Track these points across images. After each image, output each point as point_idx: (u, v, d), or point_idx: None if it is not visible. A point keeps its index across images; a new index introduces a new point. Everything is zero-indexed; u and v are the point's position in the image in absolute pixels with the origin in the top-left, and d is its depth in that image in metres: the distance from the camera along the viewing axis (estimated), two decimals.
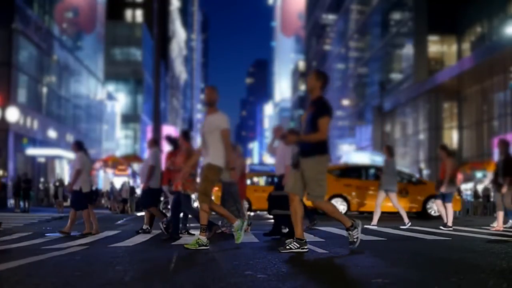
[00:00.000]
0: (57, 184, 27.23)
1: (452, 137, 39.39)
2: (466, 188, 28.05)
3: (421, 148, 41.26)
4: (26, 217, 16.79)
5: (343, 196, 16.58)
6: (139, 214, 22.53)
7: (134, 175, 33.66)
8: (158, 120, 27.80)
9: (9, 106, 30.14)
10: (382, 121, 44.79)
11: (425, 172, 37.07)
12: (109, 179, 37.40)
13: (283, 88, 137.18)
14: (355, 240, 5.81)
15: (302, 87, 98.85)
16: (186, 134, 8.69)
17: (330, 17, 74.69)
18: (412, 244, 7.20)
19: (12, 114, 30.52)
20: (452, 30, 41.03)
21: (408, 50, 44.14)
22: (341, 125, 66.94)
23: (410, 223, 10.63)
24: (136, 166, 34.53)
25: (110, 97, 61.17)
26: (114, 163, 35.30)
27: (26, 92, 35.75)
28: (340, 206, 16.37)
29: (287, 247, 5.52)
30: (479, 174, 31.04)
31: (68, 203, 25.27)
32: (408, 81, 43.46)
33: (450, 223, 10.52)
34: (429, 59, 42.48)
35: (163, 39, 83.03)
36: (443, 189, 10.58)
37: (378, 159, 32.56)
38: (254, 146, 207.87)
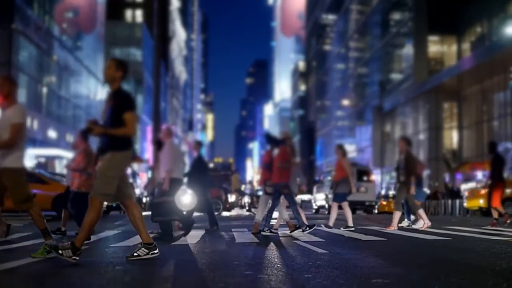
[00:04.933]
0: None
1: (452, 137, 39.41)
2: (466, 188, 28.05)
3: (421, 148, 41.27)
4: (26, 217, 16.78)
5: None
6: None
7: (134, 175, 33.68)
8: (158, 120, 27.86)
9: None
10: (382, 121, 44.80)
11: (425, 172, 37.05)
12: None
13: (283, 88, 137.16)
14: (134, 254, 5.03)
15: (302, 87, 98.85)
16: (85, 135, 8.15)
17: (330, 17, 74.71)
18: (412, 244, 7.20)
19: None
20: (452, 30, 41.03)
21: (408, 50, 44.15)
22: (341, 125, 66.97)
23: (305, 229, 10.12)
24: (136, 166, 34.55)
25: None
26: None
27: (26, 92, 35.76)
28: None
29: (135, 254, 5.00)
30: (479, 174, 31.04)
31: None
32: (408, 81, 43.46)
33: (331, 223, 10.22)
34: (429, 59, 42.49)
35: (163, 39, 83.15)
36: (353, 189, 10.49)
37: None
38: (254, 146, 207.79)
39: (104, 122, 5.03)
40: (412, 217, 11.34)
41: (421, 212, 10.18)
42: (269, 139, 9.40)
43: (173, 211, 7.79)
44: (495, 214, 11.69)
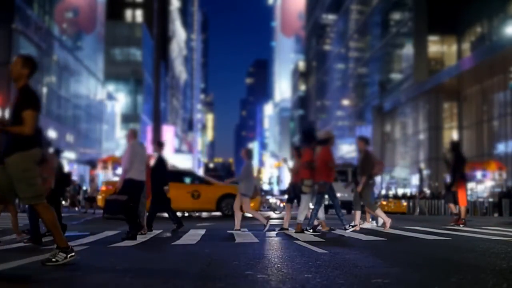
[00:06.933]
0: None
1: (452, 137, 39.36)
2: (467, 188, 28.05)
3: (421, 148, 41.27)
4: (26, 217, 16.78)
5: None
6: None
7: None
8: (158, 120, 27.82)
9: (9, 106, 30.20)
10: (382, 121, 44.78)
11: (425, 172, 37.07)
12: (110, 179, 37.32)
13: (283, 88, 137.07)
14: (53, 260, 4.65)
15: (302, 87, 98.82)
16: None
17: (330, 17, 74.73)
18: (412, 244, 7.20)
19: None
20: (452, 30, 41.05)
21: (408, 50, 44.14)
22: (341, 125, 66.95)
23: (244, 230, 9.63)
24: None
25: (110, 97, 61.18)
26: (114, 163, 35.28)
27: None
28: None
29: (53, 259, 4.64)
30: (479, 174, 31.04)
31: (66, 203, 25.29)
32: (408, 81, 43.46)
33: (314, 223, 9.62)
34: (429, 59, 42.50)
35: (163, 39, 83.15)
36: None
37: None
38: (254, 146, 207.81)
39: (9, 119, 4.81)
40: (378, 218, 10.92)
41: (357, 214, 9.98)
42: (313, 137, 9.29)
43: (122, 210, 7.81)
44: (453, 209, 12.03)
